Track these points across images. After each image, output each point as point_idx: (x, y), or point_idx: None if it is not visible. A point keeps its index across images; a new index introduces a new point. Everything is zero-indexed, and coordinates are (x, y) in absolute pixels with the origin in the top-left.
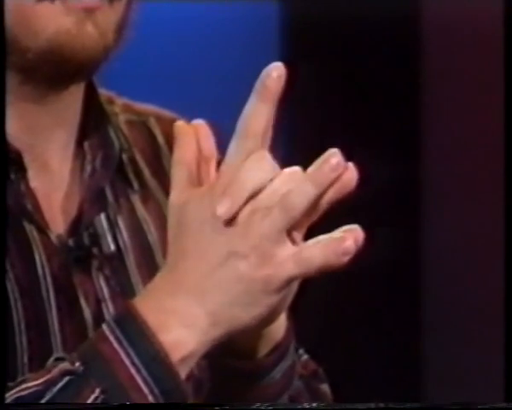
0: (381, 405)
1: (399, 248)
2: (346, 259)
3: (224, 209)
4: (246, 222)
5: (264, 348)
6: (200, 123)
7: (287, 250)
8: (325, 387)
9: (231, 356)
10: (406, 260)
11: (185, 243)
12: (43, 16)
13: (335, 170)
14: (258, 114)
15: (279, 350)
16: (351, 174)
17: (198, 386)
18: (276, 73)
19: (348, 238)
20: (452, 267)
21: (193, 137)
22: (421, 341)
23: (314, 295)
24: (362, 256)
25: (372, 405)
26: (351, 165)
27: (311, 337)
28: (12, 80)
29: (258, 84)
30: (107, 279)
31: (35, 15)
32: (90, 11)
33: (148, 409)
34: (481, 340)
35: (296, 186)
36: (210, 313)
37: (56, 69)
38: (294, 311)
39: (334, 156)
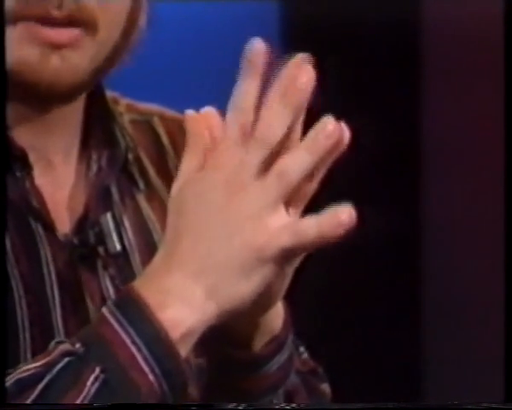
0: (381, 405)
1: (400, 246)
2: (340, 232)
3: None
4: (241, 193)
5: (261, 339)
6: (210, 111)
7: (281, 220)
8: (325, 386)
9: (229, 345)
10: (406, 258)
11: (181, 221)
12: (8, 40)
13: (331, 137)
14: (248, 89)
15: (276, 342)
16: (343, 135)
17: (199, 373)
18: (255, 47)
19: (343, 211)
20: (453, 266)
21: (204, 126)
22: (421, 341)
23: (313, 292)
24: (361, 254)
25: (361, 405)
26: (342, 125)
27: (310, 335)
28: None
29: (243, 63)
30: (112, 279)
31: (5, 37)
32: (56, 46)
33: (144, 408)
34: (481, 340)
35: (291, 154)
36: (206, 288)
37: (36, 92)
38: (294, 306)
39: (329, 123)
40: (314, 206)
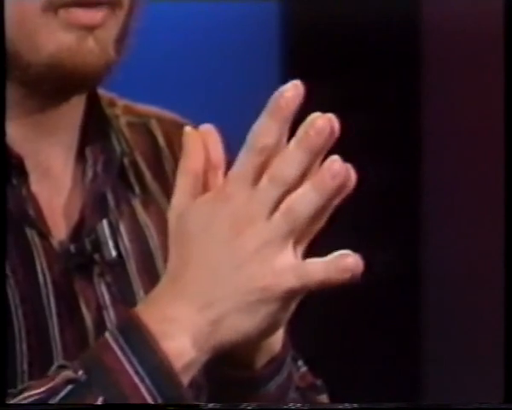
0: (381, 405)
1: (399, 253)
2: (347, 276)
3: None
4: (249, 228)
5: (261, 360)
6: (208, 129)
7: (287, 260)
8: (323, 398)
9: (228, 365)
10: (405, 263)
11: (187, 250)
12: (43, 32)
13: (337, 176)
14: (268, 131)
15: (275, 363)
16: (350, 176)
17: (197, 393)
18: (290, 93)
19: (350, 256)
20: (452, 269)
21: (201, 144)
22: (421, 340)
23: (313, 305)
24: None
25: (364, 405)
26: (349, 166)
27: (310, 347)
28: (15, 93)
29: (270, 101)
30: (108, 286)
31: (36, 31)
32: (91, 28)
33: (144, 409)
34: (481, 340)
35: (300, 193)
36: (211, 321)
37: (58, 84)
38: (293, 321)
39: (335, 162)
40: (318, 247)
